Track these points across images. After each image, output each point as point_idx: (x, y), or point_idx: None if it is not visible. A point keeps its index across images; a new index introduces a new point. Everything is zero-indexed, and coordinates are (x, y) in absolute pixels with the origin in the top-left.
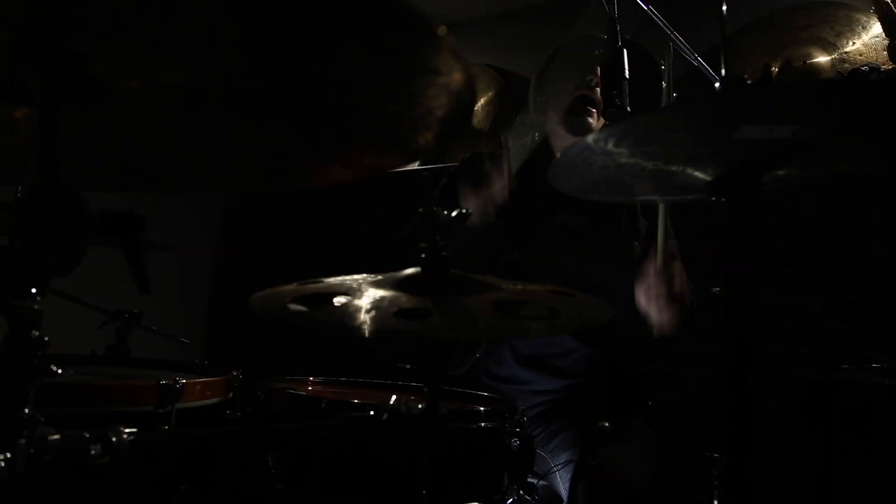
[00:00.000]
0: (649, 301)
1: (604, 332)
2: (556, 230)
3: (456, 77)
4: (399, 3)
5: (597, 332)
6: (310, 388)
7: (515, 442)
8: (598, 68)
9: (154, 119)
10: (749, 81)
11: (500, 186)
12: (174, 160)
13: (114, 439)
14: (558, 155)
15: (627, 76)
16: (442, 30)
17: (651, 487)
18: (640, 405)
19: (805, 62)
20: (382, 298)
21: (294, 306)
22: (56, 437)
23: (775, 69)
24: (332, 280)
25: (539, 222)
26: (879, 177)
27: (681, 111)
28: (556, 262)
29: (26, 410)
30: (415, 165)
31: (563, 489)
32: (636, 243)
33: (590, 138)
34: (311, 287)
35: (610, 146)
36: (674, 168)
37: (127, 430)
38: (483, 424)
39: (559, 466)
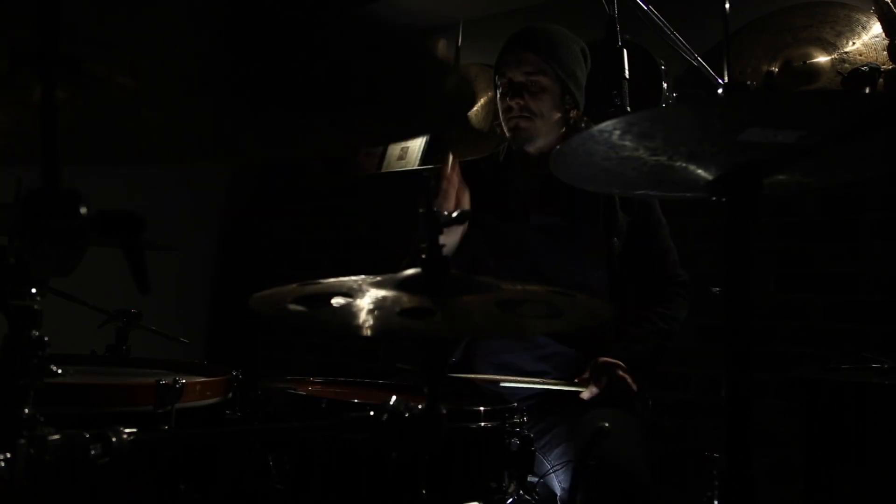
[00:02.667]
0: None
1: (584, 331)
2: (533, 232)
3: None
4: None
5: (577, 332)
6: (310, 388)
7: (515, 442)
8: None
9: (151, 95)
10: (751, 84)
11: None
12: (172, 134)
13: (114, 439)
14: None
15: (627, 76)
16: (442, 46)
17: (652, 479)
18: (630, 399)
19: (805, 62)
20: (385, 298)
21: (295, 307)
22: (56, 437)
23: (775, 69)
24: (331, 280)
25: (514, 225)
26: (880, 177)
27: (688, 108)
28: (535, 264)
29: (26, 410)
30: (415, 165)
31: (557, 486)
32: (615, 239)
33: (594, 129)
34: (312, 287)
35: (614, 138)
36: (676, 164)
37: (127, 430)
38: (483, 424)
39: (559, 466)
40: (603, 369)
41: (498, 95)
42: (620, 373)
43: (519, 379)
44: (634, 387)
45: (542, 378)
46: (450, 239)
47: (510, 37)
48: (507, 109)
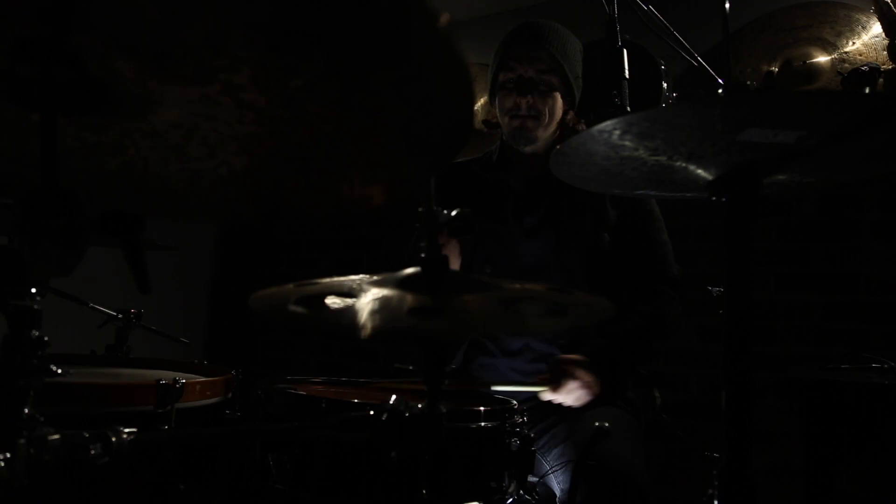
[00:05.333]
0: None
1: (580, 335)
2: (523, 233)
3: (455, 102)
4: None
5: (574, 336)
6: (310, 388)
7: (515, 442)
8: (529, 95)
9: (151, 140)
10: (751, 84)
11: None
12: (171, 186)
13: (114, 439)
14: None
15: (627, 76)
16: (444, 18)
17: (651, 480)
18: (627, 399)
19: (805, 62)
20: (385, 299)
21: (295, 307)
22: (56, 437)
23: (775, 69)
24: (330, 280)
25: (508, 229)
26: (879, 177)
27: (687, 108)
28: (524, 267)
29: (26, 410)
30: None
31: (556, 487)
32: (605, 234)
33: (594, 129)
34: (312, 288)
35: (614, 138)
36: (676, 164)
37: (127, 430)
38: (483, 424)
39: (558, 466)
40: (560, 370)
41: (500, 91)
42: (577, 373)
43: (483, 381)
44: (595, 388)
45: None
46: (452, 255)
47: (517, 29)
48: (514, 107)
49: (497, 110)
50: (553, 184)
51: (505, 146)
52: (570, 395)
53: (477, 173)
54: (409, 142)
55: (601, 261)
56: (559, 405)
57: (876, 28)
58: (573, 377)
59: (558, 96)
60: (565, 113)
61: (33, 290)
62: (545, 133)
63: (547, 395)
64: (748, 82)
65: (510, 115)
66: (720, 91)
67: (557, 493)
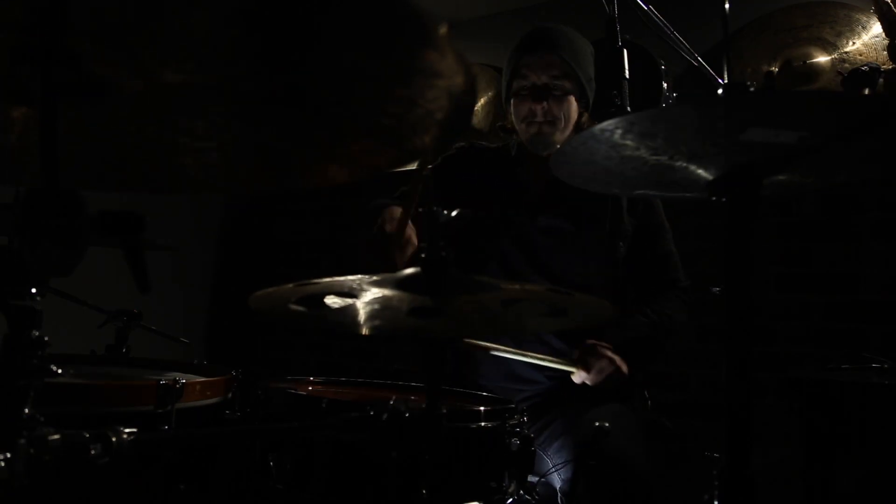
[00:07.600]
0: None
1: (587, 334)
2: (538, 232)
3: (457, 80)
4: (400, 3)
5: (581, 334)
6: (310, 388)
7: (515, 442)
8: (545, 102)
9: (152, 119)
10: (751, 85)
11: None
12: (172, 161)
13: (114, 439)
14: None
15: (627, 76)
16: (443, 29)
17: (653, 474)
18: (624, 385)
19: (805, 62)
20: (384, 298)
21: (295, 307)
22: (56, 437)
23: (775, 69)
24: (330, 280)
25: (520, 223)
26: (880, 178)
27: (689, 108)
28: (540, 262)
29: (26, 410)
30: (414, 165)
31: (558, 480)
32: (620, 243)
33: (595, 129)
34: (311, 287)
35: (616, 137)
36: (676, 164)
37: (127, 430)
38: (483, 424)
39: (559, 466)
40: (591, 351)
41: (514, 98)
42: (609, 354)
43: (512, 350)
44: (624, 368)
45: (537, 357)
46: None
47: (528, 36)
48: (530, 114)
49: (513, 117)
50: (567, 186)
51: (522, 145)
52: (601, 374)
53: (491, 162)
54: (412, 118)
55: (617, 270)
56: (559, 403)
57: (876, 28)
58: (604, 357)
59: (573, 99)
60: (580, 115)
61: (33, 290)
62: (562, 137)
63: (578, 377)
64: (748, 82)
65: (526, 122)
66: (720, 91)
67: (558, 484)
